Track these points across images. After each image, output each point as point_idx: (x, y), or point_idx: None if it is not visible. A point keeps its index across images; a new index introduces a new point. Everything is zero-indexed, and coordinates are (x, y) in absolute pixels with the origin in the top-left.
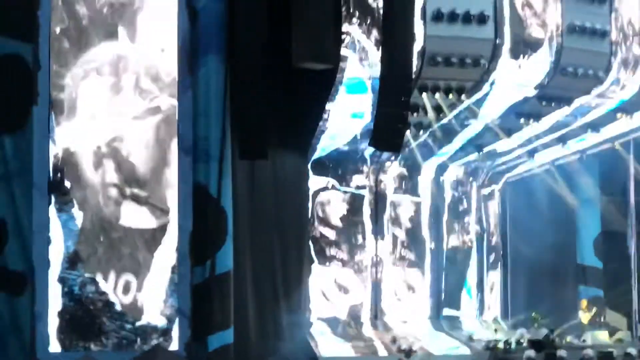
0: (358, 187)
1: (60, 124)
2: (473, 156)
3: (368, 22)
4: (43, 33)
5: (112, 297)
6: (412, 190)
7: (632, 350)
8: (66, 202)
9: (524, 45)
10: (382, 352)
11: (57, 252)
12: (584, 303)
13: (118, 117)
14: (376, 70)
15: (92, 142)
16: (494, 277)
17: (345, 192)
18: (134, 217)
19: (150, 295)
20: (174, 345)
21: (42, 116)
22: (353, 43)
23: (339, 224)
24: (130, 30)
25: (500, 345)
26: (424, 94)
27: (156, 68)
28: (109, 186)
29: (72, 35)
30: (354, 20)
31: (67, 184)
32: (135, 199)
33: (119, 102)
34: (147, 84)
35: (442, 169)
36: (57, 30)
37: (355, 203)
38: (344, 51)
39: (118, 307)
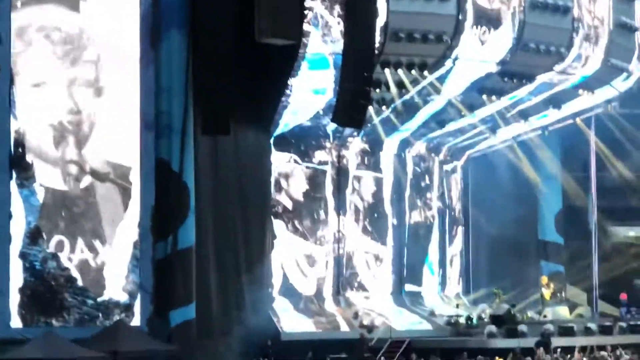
0: (320, 163)
1: (22, 99)
2: (436, 132)
3: None
4: (4, 7)
5: (73, 273)
6: (375, 165)
7: (592, 326)
8: (27, 177)
9: (487, 21)
10: (344, 327)
11: (18, 228)
12: (544, 279)
13: (79, 92)
14: (338, 46)
15: (53, 117)
16: (455, 253)
17: (307, 167)
18: (96, 192)
19: (112, 270)
20: (135, 321)
21: (2, 90)
22: (316, 19)
23: (301, 199)
24: (92, 4)
25: (462, 320)
26: (387, 70)
27: (118, 43)
28: (70, 162)
29: (33, 10)
30: None
31: (29, 159)
32: (97, 174)
33: (80, 76)
34: (109, 59)
35: (404, 144)
36: (18, 4)
37: (317, 178)
38: (306, 27)
39: (80, 283)
